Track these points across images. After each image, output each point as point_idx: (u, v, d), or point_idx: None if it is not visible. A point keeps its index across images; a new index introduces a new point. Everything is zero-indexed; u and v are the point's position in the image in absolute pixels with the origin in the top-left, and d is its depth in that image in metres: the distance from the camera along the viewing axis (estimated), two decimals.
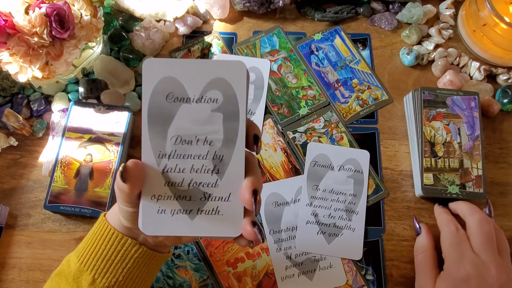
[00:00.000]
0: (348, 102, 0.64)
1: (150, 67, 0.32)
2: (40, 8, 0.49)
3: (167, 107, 0.33)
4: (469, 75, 0.67)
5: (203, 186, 0.33)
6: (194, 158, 0.33)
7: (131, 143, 0.61)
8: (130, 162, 0.31)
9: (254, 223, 0.32)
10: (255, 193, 0.32)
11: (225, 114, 0.33)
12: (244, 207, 0.33)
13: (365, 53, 0.67)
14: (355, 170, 0.59)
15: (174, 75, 0.32)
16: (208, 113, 0.33)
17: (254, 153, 0.34)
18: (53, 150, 0.59)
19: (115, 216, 0.39)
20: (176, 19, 0.67)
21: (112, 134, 0.58)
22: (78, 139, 0.58)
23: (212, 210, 0.33)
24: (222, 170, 0.33)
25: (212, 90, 0.33)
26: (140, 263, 0.39)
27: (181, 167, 0.33)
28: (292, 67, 0.66)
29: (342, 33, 0.69)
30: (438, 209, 0.56)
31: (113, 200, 0.56)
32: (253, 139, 0.33)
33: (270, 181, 0.59)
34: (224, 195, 0.33)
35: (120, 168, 0.31)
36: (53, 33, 0.50)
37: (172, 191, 0.33)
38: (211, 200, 0.33)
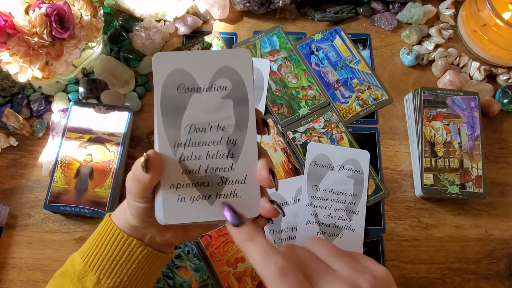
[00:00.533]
0: (348, 102, 0.64)
1: (160, 60, 0.33)
2: (40, 8, 0.49)
3: (179, 97, 0.34)
4: (469, 75, 0.67)
5: (219, 171, 0.34)
6: (208, 145, 0.34)
7: (131, 143, 0.61)
8: (151, 152, 0.32)
9: (272, 201, 0.33)
10: (272, 171, 0.33)
11: (235, 100, 0.34)
12: (260, 187, 0.34)
13: (365, 53, 0.67)
14: (355, 170, 0.59)
15: (183, 67, 0.34)
16: (218, 100, 0.34)
17: (266, 135, 0.36)
18: (53, 150, 0.59)
19: (120, 217, 0.39)
20: (176, 19, 0.67)
21: (112, 134, 0.58)
22: (78, 139, 0.58)
23: (231, 194, 0.34)
24: (236, 153, 0.34)
25: (220, 78, 0.34)
26: (144, 264, 0.40)
27: (197, 154, 0.34)
28: (292, 67, 0.66)
29: (342, 33, 0.69)
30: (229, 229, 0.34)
31: (113, 200, 0.55)
32: (262, 122, 0.34)
33: None
34: (241, 178, 0.34)
35: (142, 158, 0.31)
36: (53, 33, 0.50)
37: (190, 179, 0.33)
38: (229, 183, 0.34)
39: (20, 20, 0.48)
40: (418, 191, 0.58)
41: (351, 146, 0.61)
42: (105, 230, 0.39)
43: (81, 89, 0.62)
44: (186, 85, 0.34)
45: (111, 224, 0.39)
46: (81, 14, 0.54)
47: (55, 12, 0.49)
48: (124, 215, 0.38)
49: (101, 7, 0.66)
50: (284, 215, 0.35)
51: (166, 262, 0.43)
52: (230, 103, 0.34)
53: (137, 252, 0.39)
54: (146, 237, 0.39)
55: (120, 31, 0.65)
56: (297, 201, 0.58)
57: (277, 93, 0.64)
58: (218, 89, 0.34)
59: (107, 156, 0.57)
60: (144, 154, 0.31)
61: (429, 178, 0.57)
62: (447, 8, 0.70)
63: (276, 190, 0.34)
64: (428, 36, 0.69)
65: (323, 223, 0.57)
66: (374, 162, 0.61)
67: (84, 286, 0.38)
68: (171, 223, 0.33)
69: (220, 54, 0.35)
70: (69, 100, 0.62)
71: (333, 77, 0.66)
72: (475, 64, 0.66)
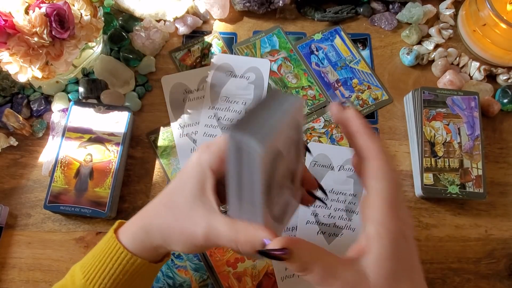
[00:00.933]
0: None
1: (257, 148, 0.29)
2: (40, 8, 0.49)
3: (275, 173, 0.32)
4: (469, 75, 0.67)
5: (288, 202, 0.37)
6: (283, 195, 0.36)
7: (131, 143, 0.61)
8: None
9: (311, 194, 0.40)
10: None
11: (295, 144, 0.36)
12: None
13: (365, 53, 0.67)
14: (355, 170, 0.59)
15: (276, 143, 0.32)
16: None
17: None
18: (53, 150, 0.59)
19: (129, 234, 0.38)
20: (176, 19, 0.67)
21: (112, 134, 0.58)
22: (78, 139, 0.58)
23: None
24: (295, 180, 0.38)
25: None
26: (145, 276, 0.40)
27: (279, 202, 0.35)
28: (292, 67, 0.66)
29: (342, 33, 0.69)
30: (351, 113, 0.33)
31: (113, 200, 0.55)
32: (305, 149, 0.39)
33: None
34: (297, 197, 0.39)
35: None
36: (53, 33, 0.50)
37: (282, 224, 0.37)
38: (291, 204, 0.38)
39: (20, 20, 0.48)
40: (418, 191, 0.58)
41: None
42: (109, 248, 0.39)
43: (81, 89, 0.62)
44: (279, 158, 0.32)
45: (115, 242, 0.38)
46: (81, 14, 0.54)
47: (55, 12, 0.49)
48: (135, 235, 0.38)
49: (101, 7, 0.65)
50: (326, 195, 0.41)
51: (163, 264, 0.43)
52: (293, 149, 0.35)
53: (141, 270, 0.38)
54: (157, 252, 0.39)
55: (120, 31, 0.65)
56: None
57: None
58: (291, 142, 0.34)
59: (107, 156, 0.57)
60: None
61: (429, 178, 0.57)
62: (447, 8, 0.70)
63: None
64: (428, 36, 0.69)
65: (323, 223, 0.57)
66: None
67: None
68: None
69: (286, 116, 0.32)
70: (69, 100, 0.62)
71: (333, 77, 0.66)
72: (475, 64, 0.66)
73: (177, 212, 0.35)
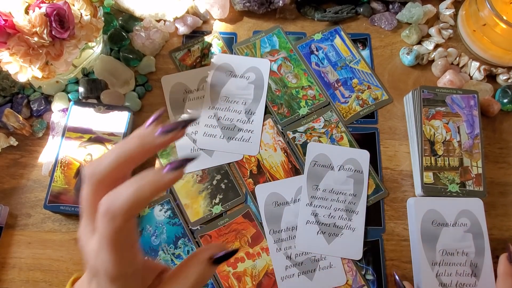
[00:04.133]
0: (348, 102, 0.64)
1: (418, 203, 0.55)
2: (40, 8, 0.49)
3: (433, 229, 0.53)
4: (469, 75, 0.67)
5: (465, 286, 0.50)
6: (456, 266, 0.51)
7: None
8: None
9: None
10: None
11: (474, 234, 0.53)
12: None
13: (365, 53, 0.67)
14: (355, 170, 0.59)
15: (435, 208, 0.54)
16: (461, 233, 0.52)
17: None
18: (53, 150, 0.59)
19: None
20: (176, 19, 0.68)
21: (112, 134, 0.58)
22: (78, 139, 0.58)
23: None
24: (478, 274, 0.51)
25: (462, 218, 0.53)
26: None
27: (448, 272, 0.51)
28: (292, 67, 0.66)
29: (342, 33, 0.69)
30: (503, 259, 0.53)
31: None
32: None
33: (270, 181, 0.59)
34: None
35: None
36: (53, 33, 0.50)
37: None
38: None
39: (20, 20, 0.48)
40: (418, 191, 0.58)
41: (351, 146, 0.61)
42: None
43: (81, 89, 0.62)
44: (437, 221, 0.53)
45: None
46: (81, 14, 0.54)
47: (55, 12, 0.49)
48: None
49: (101, 7, 0.66)
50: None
51: None
52: (470, 236, 0.52)
53: None
54: None
55: (120, 31, 0.65)
56: (297, 201, 0.58)
57: (277, 93, 0.64)
58: (460, 225, 0.52)
59: None
60: None
61: (429, 177, 0.57)
62: (447, 8, 0.70)
63: None
64: (428, 36, 0.69)
65: (323, 223, 0.57)
66: (374, 162, 0.61)
67: None
68: None
69: (460, 201, 0.54)
70: (69, 100, 0.62)
71: (333, 77, 0.66)
72: (475, 64, 0.66)
73: None
